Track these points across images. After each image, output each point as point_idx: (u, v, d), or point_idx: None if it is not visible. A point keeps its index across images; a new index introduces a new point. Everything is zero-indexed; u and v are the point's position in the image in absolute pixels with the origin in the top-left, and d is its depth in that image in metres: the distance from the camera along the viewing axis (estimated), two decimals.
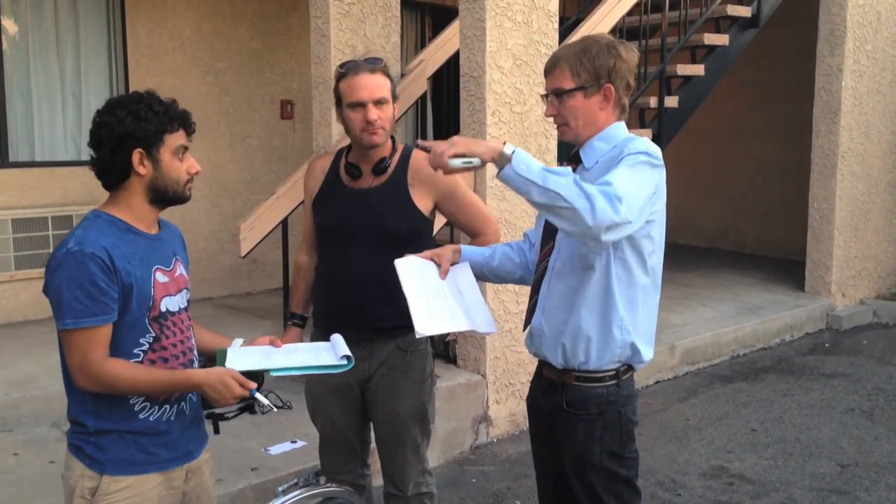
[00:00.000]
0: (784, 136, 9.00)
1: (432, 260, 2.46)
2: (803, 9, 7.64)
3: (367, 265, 2.73)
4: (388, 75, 2.74)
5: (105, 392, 2.04)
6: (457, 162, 2.08)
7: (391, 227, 2.73)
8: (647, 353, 2.37)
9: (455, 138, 2.13)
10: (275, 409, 2.14)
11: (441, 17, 7.57)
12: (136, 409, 2.09)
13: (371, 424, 2.95)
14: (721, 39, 6.52)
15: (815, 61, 7.29)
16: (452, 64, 5.55)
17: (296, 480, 2.40)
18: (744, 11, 6.66)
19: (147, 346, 2.10)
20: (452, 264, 2.48)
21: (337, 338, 2.36)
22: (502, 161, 2.05)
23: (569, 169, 2.06)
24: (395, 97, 2.77)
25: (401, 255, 2.68)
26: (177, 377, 2.08)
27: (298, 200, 5.19)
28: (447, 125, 7.61)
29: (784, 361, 6.32)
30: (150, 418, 2.11)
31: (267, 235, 5.08)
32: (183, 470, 2.19)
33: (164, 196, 2.12)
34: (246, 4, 6.82)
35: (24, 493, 3.63)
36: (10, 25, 5.84)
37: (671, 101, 6.18)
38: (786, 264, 8.61)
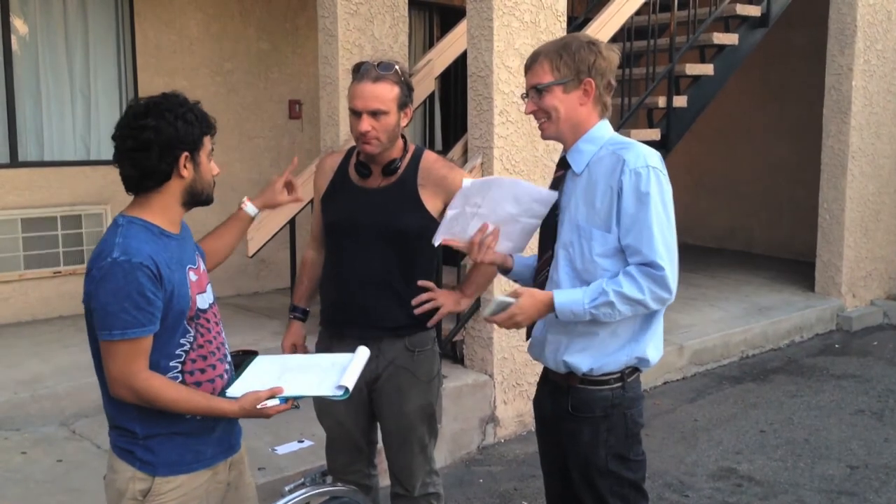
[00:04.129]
0: (794, 135, 8.96)
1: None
2: (813, 8, 7.60)
3: (375, 264, 2.72)
4: (398, 82, 2.65)
5: (141, 404, 2.05)
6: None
7: (399, 227, 2.70)
8: (655, 357, 2.36)
9: (519, 317, 2.22)
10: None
11: (449, 17, 7.57)
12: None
13: (378, 425, 2.94)
14: (730, 39, 6.49)
15: (825, 61, 7.26)
16: (460, 64, 5.54)
17: (302, 480, 2.40)
18: (753, 10, 6.63)
19: (188, 345, 2.12)
20: (505, 272, 2.56)
21: (361, 353, 2.34)
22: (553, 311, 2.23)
23: (603, 287, 2.17)
24: (404, 104, 2.68)
25: (408, 256, 2.67)
26: (213, 408, 2.09)
27: (306, 200, 5.19)
28: (455, 125, 7.61)
29: (793, 362, 6.29)
30: (198, 418, 2.12)
31: (274, 235, 5.08)
32: (227, 463, 2.25)
33: (199, 198, 2.15)
34: (254, 5, 6.82)
35: (31, 492, 3.64)
36: (20, 25, 5.87)
37: (680, 101, 6.16)
38: (795, 265, 8.57)
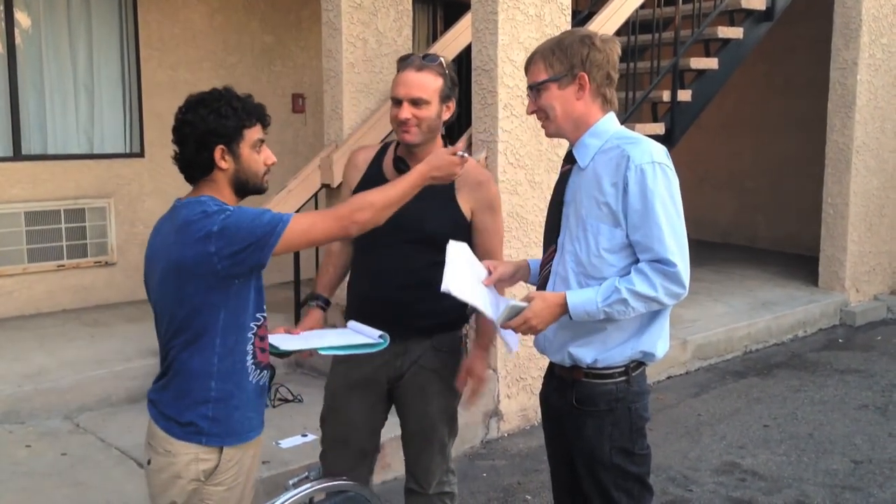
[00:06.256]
0: (798, 130, 8.94)
1: (487, 269, 2.45)
2: (818, 2, 7.57)
3: (408, 263, 2.67)
4: (442, 74, 2.65)
5: (365, 224, 2.17)
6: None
7: (434, 229, 2.63)
8: (660, 351, 2.36)
9: (534, 321, 2.25)
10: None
11: (453, 11, 7.54)
12: (248, 371, 2.19)
13: (381, 430, 2.91)
14: (735, 32, 6.47)
15: (829, 55, 7.23)
16: (464, 57, 5.53)
17: (306, 474, 2.39)
18: (758, 4, 6.60)
19: (261, 321, 2.21)
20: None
21: (355, 323, 2.43)
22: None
23: (616, 285, 2.17)
24: (447, 97, 2.66)
25: (442, 256, 2.60)
26: (414, 176, 2.27)
27: (310, 194, 5.19)
28: (459, 119, 7.59)
29: (797, 357, 6.28)
30: (260, 382, 2.23)
31: None
32: (260, 437, 2.33)
33: (245, 188, 2.24)
34: None
35: (36, 484, 3.66)
36: (23, 19, 5.86)
37: (684, 95, 6.14)
38: (799, 259, 8.55)
